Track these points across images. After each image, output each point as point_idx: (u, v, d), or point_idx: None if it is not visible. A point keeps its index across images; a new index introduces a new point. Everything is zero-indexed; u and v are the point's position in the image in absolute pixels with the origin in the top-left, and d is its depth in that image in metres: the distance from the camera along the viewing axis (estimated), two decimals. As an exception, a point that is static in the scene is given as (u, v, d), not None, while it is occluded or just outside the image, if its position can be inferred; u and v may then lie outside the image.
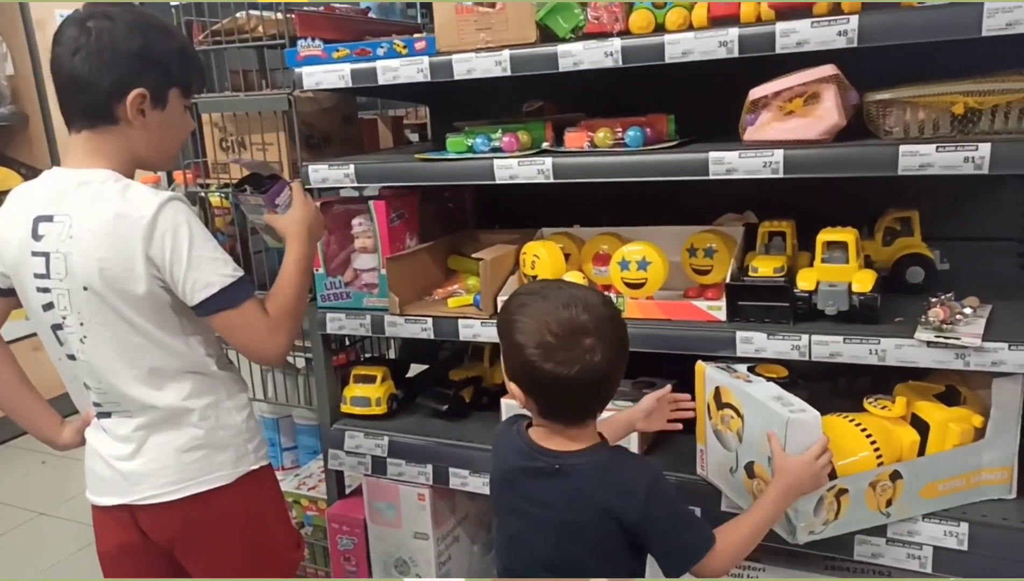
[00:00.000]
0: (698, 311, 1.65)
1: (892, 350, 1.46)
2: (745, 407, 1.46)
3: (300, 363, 2.56)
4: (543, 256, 1.80)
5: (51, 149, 3.83)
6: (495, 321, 1.75)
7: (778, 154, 1.47)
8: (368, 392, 2.06)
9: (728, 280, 1.63)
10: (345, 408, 2.08)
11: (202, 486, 1.38)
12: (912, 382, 1.58)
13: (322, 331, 2.01)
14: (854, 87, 1.52)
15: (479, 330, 1.82)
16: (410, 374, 2.36)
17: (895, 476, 1.44)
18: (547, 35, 1.66)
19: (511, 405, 1.91)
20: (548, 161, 1.67)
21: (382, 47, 1.79)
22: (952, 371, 1.47)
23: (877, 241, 1.77)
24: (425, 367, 2.44)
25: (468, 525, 2.14)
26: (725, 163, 1.52)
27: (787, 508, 1.37)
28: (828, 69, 1.47)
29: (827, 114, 1.47)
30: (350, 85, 1.83)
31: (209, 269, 1.31)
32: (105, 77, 1.29)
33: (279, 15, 1.98)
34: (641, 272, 1.68)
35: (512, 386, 1.30)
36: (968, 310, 1.48)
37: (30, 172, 3.61)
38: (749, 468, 1.47)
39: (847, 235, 1.57)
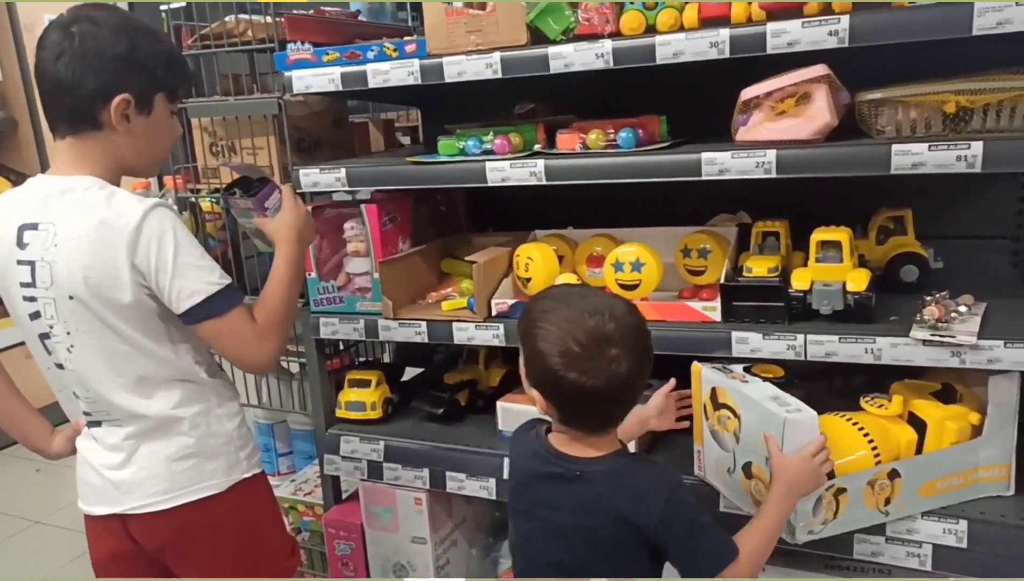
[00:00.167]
0: (693, 312, 1.64)
1: (888, 349, 1.46)
2: (742, 407, 1.46)
3: (294, 368, 2.55)
4: (536, 258, 1.79)
5: (40, 155, 3.80)
6: (494, 324, 1.79)
7: (770, 154, 1.47)
8: (363, 396, 2.05)
9: (722, 280, 1.63)
10: (340, 413, 2.07)
11: (193, 495, 1.37)
12: (908, 380, 1.58)
13: (316, 336, 2.00)
14: (846, 87, 1.52)
15: (473, 333, 1.81)
16: (405, 378, 2.35)
17: (893, 475, 1.44)
18: (538, 37, 1.66)
19: (507, 408, 1.91)
20: (540, 163, 1.67)
21: (372, 50, 1.79)
22: (948, 369, 1.47)
23: (871, 240, 1.77)
24: (420, 371, 2.43)
25: (466, 528, 2.13)
26: (718, 163, 1.51)
27: (794, 508, 1.36)
28: (819, 69, 1.47)
29: (819, 114, 1.47)
30: (340, 89, 1.82)
31: (195, 277, 1.30)
32: (89, 82, 1.28)
33: (268, 19, 1.97)
34: (635, 273, 1.68)
35: (533, 392, 1.28)
36: (963, 308, 1.48)
37: (19, 178, 3.58)
38: (747, 468, 1.46)
39: (841, 234, 1.56)
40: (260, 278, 2.01)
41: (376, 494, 2.02)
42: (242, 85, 2.11)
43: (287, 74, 1.87)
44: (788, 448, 1.34)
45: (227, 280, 1.34)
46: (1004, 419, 1.45)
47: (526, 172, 1.68)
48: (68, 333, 1.32)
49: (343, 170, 1.86)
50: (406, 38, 1.78)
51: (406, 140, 2.73)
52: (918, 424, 1.49)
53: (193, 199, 2.18)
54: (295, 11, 1.98)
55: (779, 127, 1.50)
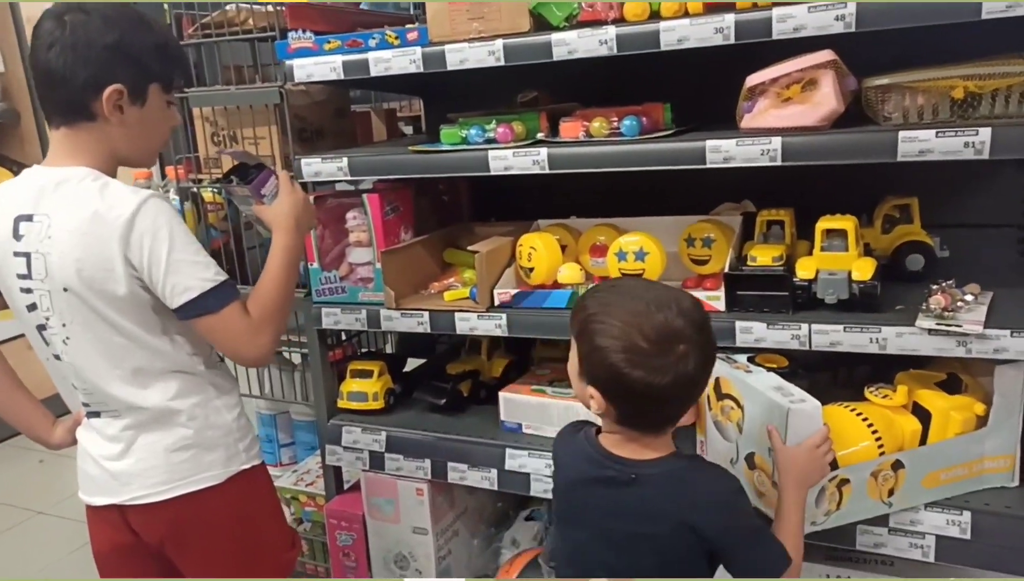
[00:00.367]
0: (695, 301, 1.63)
1: (893, 338, 1.44)
2: (745, 398, 1.45)
3: (296, 359, 2.54)
4: (539, 248, 1.79)
5: (43, 147, 3.80)
6: (497, 314, 1.78)
7: (776, 141, 1.46)
8: (365, 387, 2.05)
9: (727, 270, 1.62)
10: (342, 403, 2.06)
11: (192, 486, 1.37)
12: (913, 370, 1.57)
13: (318, 326, 1.99)
14: (852, 73, 1.50)
15: (476, 323, 1.80)
16: (407, 368, 2.34)
17: (897, 465, 1.43)
18: (541, 24, 1.64)
19: (509, 398, 1.90)
20: (543, 151, 1.65)
21: (374, 38, 1.77)
22: (953, 359, 1.46)
23: (876, 229, 1.76)
24: (422, 361, 2.42)
25: (467, 519, 2.12)
26: (722, 151, 1.50)
27: (806, 500, 1.33)
28: (826, 55, 1.46)
29: (825, 100, 1.45)
30: (342, 77, 1.81)
31: (189, 273, 1.28)
32: (80, 72, 1.26)
33: (269, 7, 1.96)
34: (639, 263, 1.67)
35: (590, 390, 1.21)
36: (969, 297, 1.46)
37: (21, 170, 3.57)
38: (750, 459, 1.45)
39: (846, 223, 1.55)
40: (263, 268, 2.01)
41: (378, 485, 2.01)
42: (246, 76, 2.10)
43: (288, 63, 1.86)
44: (792, 438, 1.33)
45: (222, 277, 1.32)
46: (1010, 409, 1.44)
47: (529, 161, 1.67)
48: (64, 325, 1.31)
49: (345, 159, 1.85)
50: (408, 26, 1.76)
51: (409, 130, 2.71)
52: (923, 414, 1.48)
53: (195, 189, 2.17)
54: (296, -1, 1.96)
55: (785, 114, 1.49)
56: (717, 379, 1.53)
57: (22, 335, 1.41)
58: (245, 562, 1.42)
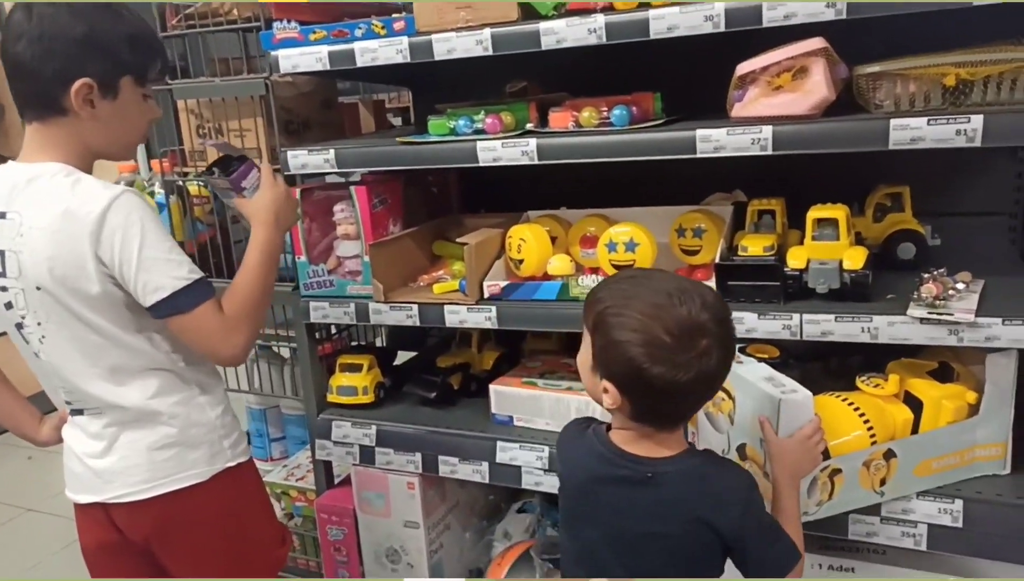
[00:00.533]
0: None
1: (884, 327, 1.44)
2: (736, 389, 1.44)
3: (286, 353, 2.53)
4: (529, 239, 1.77)
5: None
6: (486, 307, 1.76)
7: (766, 130, 1.44)
8: (354, 381, 2.03)
9: (717, 260, 1.61)
10: (331, 397, 2.05)
11: (175, 484, 1.34)
12: (905, 359, 1.56)
13: (306, 320, 1.97)
14: (843, 60, 1.49)
15: (465, 316, 1.79)
16: (398, 362, 2.33)
17: (889, 455, 1.42)
18: (529, 13, 1.62)
19: (500, 391, 1.89)
20: (532, 142, 1.64)
21: (360, 28, 1.75)
22: (945, 347, 1.45)
23: (868, 217, 1.75)
24: (413, 354, 2.41)
25: (459, 512, 2.12)
26: (713, 141, 1.49)
27: (799, 491, 1.32)
28: (816, 42, 1.44)
29: (816, 88, 1.44)
30: (328, 68, 1.79)
31: (161, 271, 1.24)
32: (48, 65, 1.22)
33: (254, -3, 1.93)
34: (629, 254, 1.65)
35: (605, 384, 1.15)
36: (961, 285, 1.46)
37: (6, 163, 3.53)
38: (741, 450, 1.45)
39: (837, 212, 1.54)
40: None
41: (368, 479, 2.00)
42: (235, 68, 2.06)
43: (273, 53, 1.83)
44: (783, 429, 1.32)
45: (196, 275, 1.28)
46: (1001, 398, 1.44)
47: (517, 151, 1.65)
48: (39, 323, 1.29)
49: (332, 151, 1.83)
50: (394, 15, 1.74)
51: (397, 121, 2.69)
52: (914, 403, 1.47)
53: (180, 182, 2.15)
54: (281, -12, 1.93)
55: (775, 102, 1.47)
56: (709, 370, 1.52)
57: (5, 333, 1.39)
58: (233, 560, 1.40)
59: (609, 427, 1.25)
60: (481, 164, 1.69)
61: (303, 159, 1.86)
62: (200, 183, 2.15)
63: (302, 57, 1.80)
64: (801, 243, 1.57)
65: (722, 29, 1.44)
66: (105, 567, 1.44)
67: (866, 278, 1.49)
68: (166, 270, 1.25)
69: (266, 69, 1.90)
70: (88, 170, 1.30)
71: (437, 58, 1.67)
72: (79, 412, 1.37)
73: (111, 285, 1.26)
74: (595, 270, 1.75)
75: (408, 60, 1.70)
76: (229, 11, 1.98)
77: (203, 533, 1.38)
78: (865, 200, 1.77)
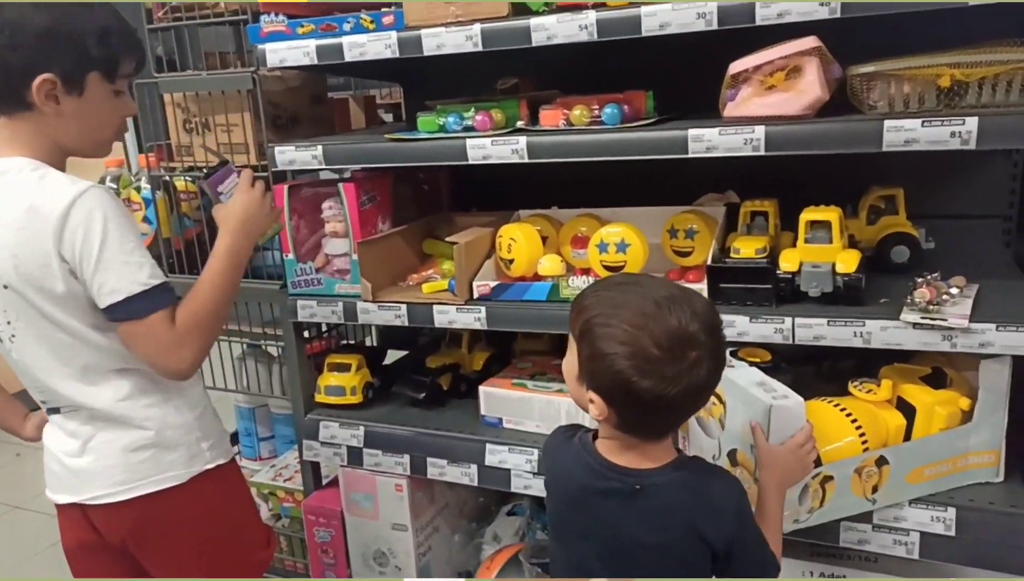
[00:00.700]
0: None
1: (877, 332, 1.42)
2: (727, 393, 1.42)
3: (275, 351, 2.49)
4: (519, 239, 1.75)
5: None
6: (476, 307, 1.73)
7: (759, 131, 1.42)
8: (343, 381, 2.01)
9: (709, 262, 1.59)
10: (319, 397, 2.03)
11: (152, 486, 1.32)
12: (898, 364, 1.54)
13: (293, 319, 1.95)
14: (837, 60, 1.47)
15: (454, 316, 1.76)
16: (389, 360, 2.30)
17: (881, 461, 1.40)
18: (520, 9, 1.60)
19: (489, 393, 1.87)
20: (522, 140, 1.61)
21: (348, 22, 1.72)
22: (938, 353, 1.43)
23: (861, 220, 1.73)
24: (404, 353, 2.38)
25: (448, 515, 2.09)
26: (704, 141, 1.46)
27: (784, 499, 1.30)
28: (810, 41, 1.42)
29: (809, 88, 1.41)
30: (316, 63, 1.76)
31: (119, 273, 1.20)
32: (9, 60, 1.18)
33: (242, -10, 1.90)
34: (620, 255, 1.63)
35: (591, 394, 1.12)
36: (955, 290, 1.43)
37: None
38: (732, 456, 1.42)
39: (831, 214, 1.52)
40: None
41: (356, 480, 1.98)
42: (229, 62, 2.03)
43: (260, 47, 1.81)
44: (774, 435, 1.30)
45: (156, 280, 1.24)
46: (995, 404, 1.42)
47: (507, 149, 1.63)
48: (9, 322, 1.26)
49: (319, 147, 1.80)
50: (384, 10, 1.71)
51: (388, 117, 2.66)
52: (907, 409, 1.45)
53: (167, 178, 2.12)
54: (270, -19, 1.90)
55: (768, 102, 1.45)
56: (699, 374, 1.50)
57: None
58: (214, 562, 1.38)
59: (596, 435, 1.23)
60: (471, 162, 1.67)
61: (290, 155, 1.83)
62: (188, 178, 2.12)
63: (289, 51, 1.78)
64: (794, 245, 1.55)
65: (715, 27, 1.41)
66: (86, 567, 1.42)
67: (859, 282, 1.46)
68: (124, 272, 1.21)
69: (250, 61, 1.87)
70: (60, 166, 1.27)
71: (426, 53, 1.65)
72: (55, 411, 1.34)
73: (75, 283, 1.23)
74: (586, 271, 1.73)
75: (396, 55, 1.68)
76: (216, 4, 1.95)
77: (182, 536, 1.36)
78: (859, 202, 1.75)
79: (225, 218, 1.41)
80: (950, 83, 1.35)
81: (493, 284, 1.76)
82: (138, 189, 2.17)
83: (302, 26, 1.76)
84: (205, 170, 1.50)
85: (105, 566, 1.41)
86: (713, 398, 1.46)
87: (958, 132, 1.31)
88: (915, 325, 1.38)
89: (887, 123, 1.34)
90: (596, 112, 1.60)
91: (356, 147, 1.81)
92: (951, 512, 1.42)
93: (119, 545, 1.36)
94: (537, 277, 1.76)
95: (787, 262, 1.52)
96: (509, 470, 1.78)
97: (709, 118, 1.53)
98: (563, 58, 1.63)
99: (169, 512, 1.34)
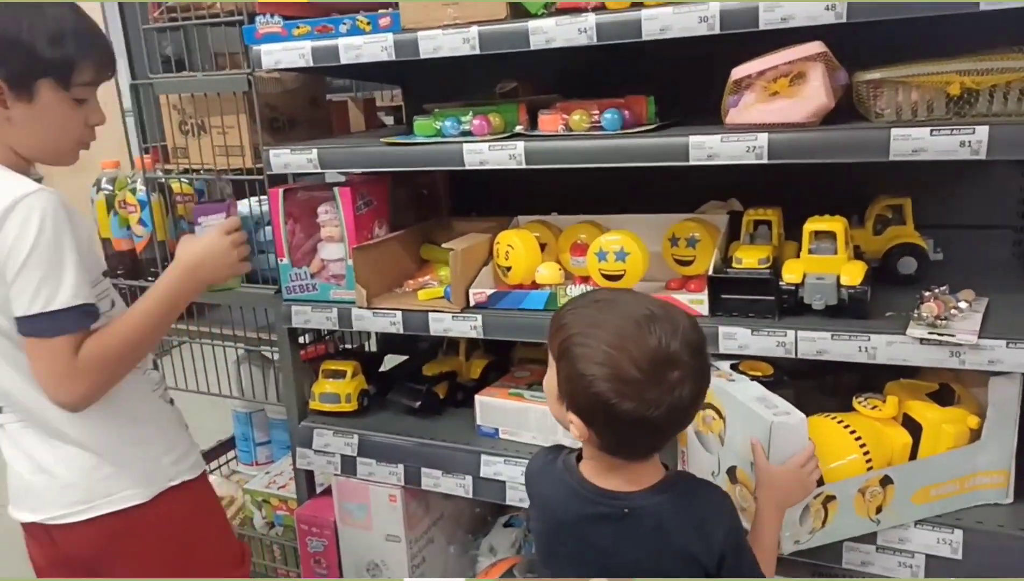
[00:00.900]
0: (679, 305, 1.54)
1: (883, 347, 1.37)
2: (727, 408, 1.38)
3: (272, 356, 2.46)
4: (517, 246, 1.71)
5: None
6: (472, 315, 1.69)
7: (762, 138, 1.38)
8: (338, 388, 1.97)
9: (711, 272, 1.55)
10: (314, 405, 1.99)
11: (112, 506, 1.28)
12: (904, 380, 1.50)
13: (288, 325, 1.92)
14: (843, 66, 1.43)
15: (450, 324, 1.73)
16: (388, 366, 2.27)
17: (886, 481, 1.36)
18: (519, 12, 1.57)
19: (486, 402, 1.83)
20: (520, 145, 1.58)
21: (344, 24, 1.69)
22: (946, 369, 1.38)
23: (867, 230, 1.69)
24: (403, 358, 2.35)
25: (444, 525, 2.06)
26: (706, 148, 1.43)
27: (783, 520, 1.27)
28: (815, 47, 1.38)
29: (814, 95, 1.37)
30: (311, 64, 1.73)
31: (35, 286, 1.14)
32: None
33: (239, -9, 1.87)
34: (619, 263, 1.59)
35: (570, 415, 1.08)
36: (963, 304, 1.39)
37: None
38: (732, 473, 1.38)
39: (836, 224, 1.48)
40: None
41: (350, 490, 1.94)
42: (238, 62, 2.00)
43: (256, 49, 1.78)
44: (775, 453, 1.26)
45: (77, 301, 1.17)
46: (1004, 423, 1.37)
47: (505, 155, 1.59)
48: None
49: (315, 151, 1.77)
50: (380, 11, 1.68)
51: (389, 120, 2.63)
52: (913, 427, 1.41)
53: (163, 180, 2.09)
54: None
55: (772, 109, 1.41)
56: (698, 387, 1.45)
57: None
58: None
59: (580, 456, 1.19)
60: (467, 167, 1.63)
61: (285, 158, 1.80)
62: (184, 180, 2.10)
63: (285, 53, 1.75)
64: (797, 256, 1.51)
65: (717, 31, 1.38)
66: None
67: (864, 295, 1.42)
68: (40, 287, 1.15)
69: (247, 63, 1.84)
70: (21, 168, 1.23)
71: (423, 56, 1.62)
72: (15, 423, 1.30)
73: (3, 286, 1.18)
74: (585, 279, 1.69)
75: (393, 58, 1.65)
76: (212, 4, 1.92)
77: (149, 556, 1.32)
78: (865, 211, 1.70)
79: (183, 252, 1.38)
80: (960, 91, 1.31)
81: (490, 292, 1.72)
82: (133, 191, 2.15)
83: (298, 28, 1.73)
84: (204, 198, 1.47)
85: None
86: (713, 412, 1.42)
87: (968, 141, 1.26)
88: (922, 341, 1.34)
89: (894, 132, 1.30)
90: (596, 117, 1.57)
91: (351, 151, 1.78)
92: (958, 534, 1.38)
93: (88, 562, 1.32)
94: (535, 285, 1.72)
95: (790, 273, 1.48)
96: (504, 482, 1.75)
97: (711, 124, 1.49)
98: (565, 61, 1.60)
99: (134, 530, 1.30)
